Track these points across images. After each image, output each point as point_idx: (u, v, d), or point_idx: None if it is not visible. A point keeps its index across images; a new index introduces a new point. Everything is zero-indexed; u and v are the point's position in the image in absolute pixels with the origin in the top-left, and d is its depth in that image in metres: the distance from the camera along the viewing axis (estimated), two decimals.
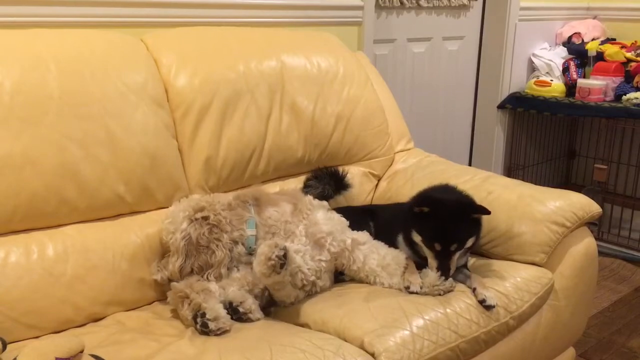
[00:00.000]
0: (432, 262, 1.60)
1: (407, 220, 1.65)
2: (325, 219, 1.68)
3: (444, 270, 1.58)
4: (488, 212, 1.60)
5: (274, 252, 1.43)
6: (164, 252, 1.65)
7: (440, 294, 1.57)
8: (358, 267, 1.67)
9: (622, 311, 2.72)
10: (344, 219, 1.73)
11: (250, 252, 1.63)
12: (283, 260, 1.45)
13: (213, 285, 1.52)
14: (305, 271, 1.57)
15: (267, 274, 1.44)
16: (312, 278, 1.60)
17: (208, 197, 1.68)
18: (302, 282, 1.57)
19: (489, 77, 3.52)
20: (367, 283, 1.68)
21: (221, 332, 1.41)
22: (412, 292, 1.57)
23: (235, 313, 1.48)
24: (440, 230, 1.57)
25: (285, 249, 1.45)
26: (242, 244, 1.62)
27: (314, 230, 1.64)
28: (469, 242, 1.61)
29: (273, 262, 1.43)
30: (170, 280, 1.59)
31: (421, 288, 1.58)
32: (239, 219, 1.63)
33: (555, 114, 3.44)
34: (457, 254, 1.61)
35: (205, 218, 1.59)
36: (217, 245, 1.57)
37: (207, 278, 1.55)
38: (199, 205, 1.62)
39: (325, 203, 1.78)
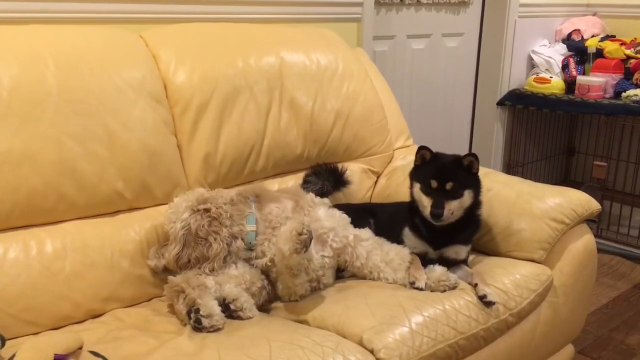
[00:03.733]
0: (427, 203, 1.62)
1: (410, 175, 1.72)
2: (327, 215, 1.68)
3: (437, 206, 1.60)
4: (475, 155, 1.64)
5: (304, 227, 1.44)
6: (165, 241, 1.65)
7: (445, 290, 1.57)
8: (361, 264, 1.67)
9: (620, 308, 2.73)
10: (345, 215, 1.73)
11: (250, 248, 1.63)
12: (312, 236, 1.46)
13: (210, 281, 1.52)
14: (314, 262, 1.58)
15: (299, 249, 1.44)
16: (320, 272, 1.61)
17: (212, 191, 1.68)
18: (312, 272, 1.58)
19: (488, 74, 3.52)
20: (371, 279, 1.67)
21: (214, 330, 1.41)
22: (416, 288, 1.58)
23: (228, 310, 1.48)
24: (437, 170, 1.64)
25: (310, 226, 1.47)
26: (242, 239, 1.62)
27: (316, 226, 1.64)
28: (466, 194, 1.63)
29: (305, 236, 1.43)
30: (165, 269, 1.60)
31: (426, 284, 1.58)
32: (239, 214, 1.63)
33: (555, 111, 3.43)
34: (454, 203, 1.61)
35: (207, 210, 1.59)
36: (214, 239, 1.57)
37: (203, 271, 1.55)
38: (202, 197, 1.63)
39: (326, 200, 1.78)
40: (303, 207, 1.70)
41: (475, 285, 1.60)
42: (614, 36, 3.53)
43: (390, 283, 1.64)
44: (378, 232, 1.76)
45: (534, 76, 3.46)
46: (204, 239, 1.57)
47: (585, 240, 1.88)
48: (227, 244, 1.58)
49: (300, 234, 1.43)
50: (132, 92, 1.67)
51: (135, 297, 1.61)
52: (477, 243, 1.84)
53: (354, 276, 1.71)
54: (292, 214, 1.68)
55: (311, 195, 1.76)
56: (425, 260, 1.67)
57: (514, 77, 3.52)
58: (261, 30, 2.08)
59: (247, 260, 1.63)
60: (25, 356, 1.09)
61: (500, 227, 1.83)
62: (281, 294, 1.59)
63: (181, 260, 1.56)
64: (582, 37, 3.54)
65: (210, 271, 1.55)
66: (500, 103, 3.50)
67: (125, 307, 1.59)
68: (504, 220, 1.83)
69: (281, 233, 1.49)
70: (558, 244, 1.81)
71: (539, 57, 3.53)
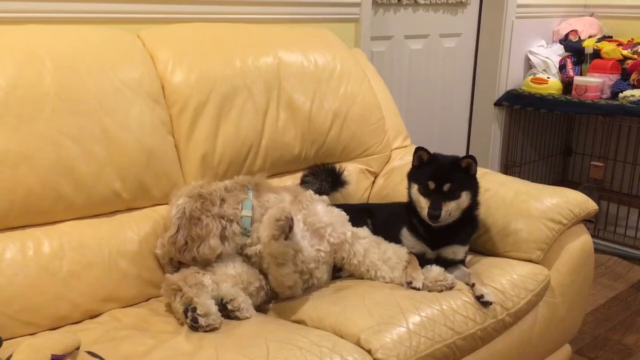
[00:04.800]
0: (425, 204, 1.63)
1: (407, 176, 1.73)
2: (325, 211, 1.69)
3: (435, 207, 1.60)
4: (473, 157, 1.65)
5: (283, 214, 1.43)
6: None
7: (442, 290, 1.57)
8: (359, 261, 1.66)
9: (617, 308, 2.73)
10: (344, 213, 1.73)
11: (246, 234, 1.63)
12: (291, 223, 1.46)
13: (207, 280, 1.52)
14: (305, 253, 1.57)
15: (277, 235, 1.43)
16: (312, 265, 1.60)
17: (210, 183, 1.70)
18: (302, 264, 1.57)
19: (485, 74, 3.52)
20: (368, 278, 1.67)
21: (211, 329, 1.40)
22: (414, 288, 1.58)
23: (225, 310, 1.48)
24: (435, 171, 1.64)
25: (291, 214, 1.46)
26: (237, 223, 1.62)
27: (313, 220, 1.64)
28: (463, 195, 1.63)
29: (282, 222, 1.43)
30: (170, 258, 1.61)
31: (423, 284, 1.58)
32: (234, 199, 1.64)
33: (552, 112, 3.44)
34: (451, 204, 1.62)
35: (200, 194, 1.60)
36: (206, 216, 1.58)
37: (202, 253, 1.55)
38: (198, 184, 1.65)
39: (325, 198, 1.78)
40: (301, 201, 1.70)
41: (473, 285, 1.60)
42: (611, 37, 3.54)
43: (387, 282, 1.64)
44: (376, 233, 1.76)
45: (532, 77, 3.47)
46: (197, 219, 1.57)
47: (582, 241, 1.89)
48: (220, 223, 1.59)
49: (278, 220, 1.43)
50: (129, 92, 1.67)
51: (133, 297, 1.61)
52: (474, 243, 1.84)
53: (352, 276, 1.71)
54: (290, 205, 1.68)
55: (310, 192, 1.77)
56: (423, 261, 1.67)
57: (512, 78, 3.53)
58: (259, 30, 2.08)
59: (242, 248, 1.63)
60: (22, 357, 1.09)
61: (498, 227, 1.83)
62: (272, 285, 1.60)
63: (178, 242, 1.56)
64: (580, 37, 3.54)
65: (209, 251, 1.55)
66: (497, 103, 3.51)
67: (123, 307, 1.59)
68: (502, 220, 1.83)
69: (263, 220, 1.49)
70: (555, 244, 1.82)
71: (536, 58, 3.54)
